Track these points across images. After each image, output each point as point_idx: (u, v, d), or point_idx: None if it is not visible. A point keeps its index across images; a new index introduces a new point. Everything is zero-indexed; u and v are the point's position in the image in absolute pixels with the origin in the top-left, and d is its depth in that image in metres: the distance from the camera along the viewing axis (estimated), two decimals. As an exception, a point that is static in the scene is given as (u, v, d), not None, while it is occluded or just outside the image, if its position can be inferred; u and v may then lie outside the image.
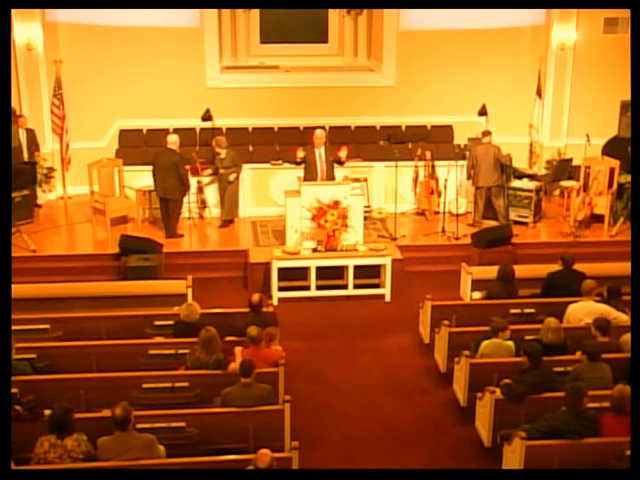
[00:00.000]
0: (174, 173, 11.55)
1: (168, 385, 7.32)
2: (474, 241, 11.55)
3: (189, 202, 12.37)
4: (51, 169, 13.31)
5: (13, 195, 11.36)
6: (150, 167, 11.82)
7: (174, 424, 6.70)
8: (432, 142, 13.98)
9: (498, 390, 7.22)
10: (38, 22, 12.95)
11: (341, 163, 11.50)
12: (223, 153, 12.17)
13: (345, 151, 11.44)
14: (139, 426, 6.39)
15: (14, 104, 12.58)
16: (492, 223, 12.21)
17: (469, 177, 12.22)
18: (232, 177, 12.11)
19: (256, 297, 8.35)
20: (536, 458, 6.43)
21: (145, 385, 7.31)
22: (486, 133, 12.26)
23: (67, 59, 13.24)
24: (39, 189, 13.08)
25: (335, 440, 7.56)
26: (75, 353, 7.89)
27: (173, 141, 11.76)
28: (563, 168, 13.33)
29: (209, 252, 11.59)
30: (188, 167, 12.03)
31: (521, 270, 9.50)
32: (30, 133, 12.84)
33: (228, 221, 12.34)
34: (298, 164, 11.37)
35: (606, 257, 10.90)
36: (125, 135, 14.05)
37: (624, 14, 13.18)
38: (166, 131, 13.68)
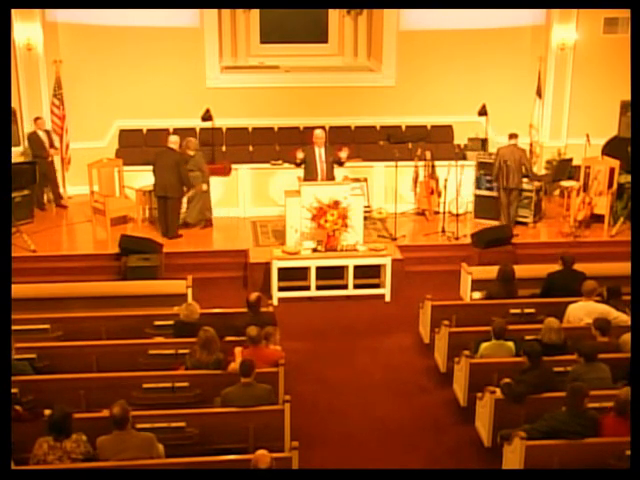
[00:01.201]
0: (175, 172, 11.57)
1: (168, 385, 7.32)
2: (474, 241, 11.55)
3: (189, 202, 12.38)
4: (51, 169, 13.34)
5: (13, 195, 11.38)
6: (150, 167, 11.83)
7: (174, 424, 6.70)
8: (432, 142, 13.98)
9: (498, 390, 7.22)
10: (38, 22, 12.94)
11: (341, 164, 11.48)
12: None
13: (346, 152, 11.43)
14: (139, 426, 6.40)
15: (14, 104, 12.60)
16: (493, 223, 12.22)
17: (497, 179, 12.14)
18: (204, 187, 12.04)
19: (253, 296, 8.35)
20: (536, 458, 6.43)
21: (145, 385, 7.31)
22: (512, 135, 12.14)
23: (67, 59, 13.23)
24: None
25: (335, 440, 7.56)
26: (75, 353, 7.89)
27: (174, 141, 11.81)
28: (563, 168, 13.33)
29: (209, 252, 11.58)
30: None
31: (521, 270, 9.50)
32: (48, 134, 12.97)
33: (207, 222, 12.30)
34: (298, 165, 11.36)
35: (606, 257, 10.89)
36: (125, 135, 14.05)
37: (624, 14, 13.18)
38: (166, 131, 13.70)
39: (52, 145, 13.00)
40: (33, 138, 12.74)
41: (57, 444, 6.05)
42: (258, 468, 5.70)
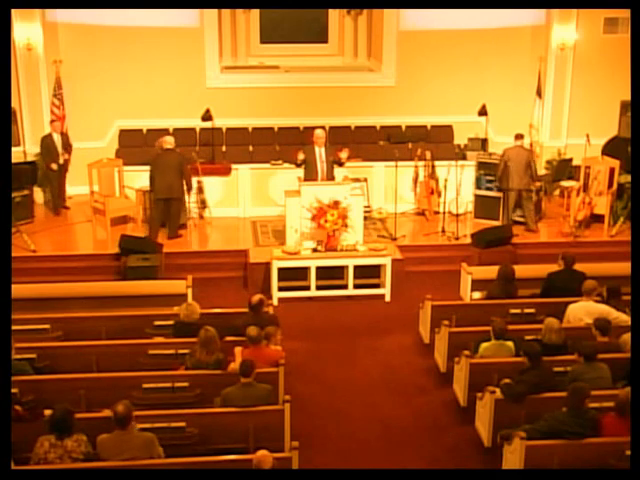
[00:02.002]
0: (179, 173, 11.57)
1: (168, 385, 7.32)
2: (474, 241, 11.55)
3: (189, 202, 12.39)
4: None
5: (13, 195, 11.38)
6: (148, 168, 11.81)
7: (174, 424, 6.70)
8: (432, 142, 13.98)
9: (498, 390, 7.22)
10: (38, 22, 12.93)
11: (341, 164, 11.49)
12: None
13: (347, 152, 11.43)
14: (139, 426, 6.38)
15: (14, 104, 12.59)
16: (493, 223, 12.23)
17: (500, 180, 12.11)
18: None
19: (255, 298, 8.32)
20: (536, 458, 6.44)
21: (145, 385, 7.31)
22: (518, 136, 12.09)
23: (67, 59, 13.23)
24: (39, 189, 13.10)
25: (335, 440, 7.56)
26: (75, 353, 7.89)
27: (171, 141, 11.79)
28: (563, 168, 13.32)
29: (209, 252, 11.59)
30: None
31: (521, 270, 9.50)
32: (65, 136, 12.76)
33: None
34: (298, 166, 11.36)
35: (606, 257, 10.90)
36: (125, 135, 14.04)
37: (624, 14, 13.16)
38: (166, 131, 13.73)
39: (67, 148, 12.75)
40: (46, 142, 12.56)
41: (58, 442, 6.06)
42: (260, 469, 5.69)
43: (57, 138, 12.63)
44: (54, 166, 12.56)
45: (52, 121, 12.77)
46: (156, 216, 11.79)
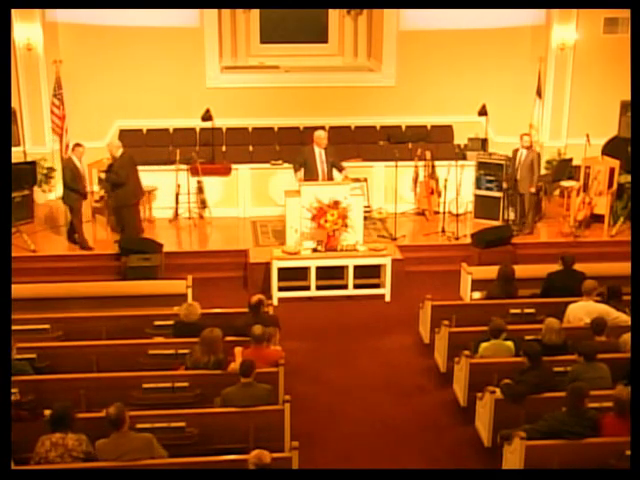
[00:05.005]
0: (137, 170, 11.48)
1: (168, 385, 7.33)
2: (474, 241, 11.55)
3: (189, 202, 12.39)
4: (51, 169, 13.31)
5: (13, 195, 11.37)
6: (146, 168, 11.77)
7: (174, 424, 6.71)
8: (432, 142, 13.98)
9: (498, 390, 7.23)
10: (38, 22, 12.95)
11: (340, 169, 11.50)
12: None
13: (346, 170, 11.41)
14: (139, 426, 6.40)
15: (14, 104, 12.59)
16: (493, 223, 12.23)
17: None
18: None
19: (255, 298, 8.33)
20: (536, 458, 6.44)
21: (145, 385, 7.31)
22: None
23: (67, 59, 13.20)
24: (39, 189, 13.07)
25: (335, 440, 7.55)
26: (75, 353, 7.89)
27: (120, 144, 11.37)
28: (563, 168, 13.32)
29: (209, 252, 11.59)
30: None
31: (521, 270, 9.50)
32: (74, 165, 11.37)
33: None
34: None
35: (606, 257, 10.91)
36: (125, 135, 13.99)
37: (624, 14, 13.16)
38: (166, 131, 13.76)
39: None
40: (69, 167, 11.25)
41: (59, 440, 6.05)
42: (263, 464, 5.67)
43: (80, 165, 11.37)
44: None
45: (76, 145, 11.45)
46: (136, 219, 11.57)
